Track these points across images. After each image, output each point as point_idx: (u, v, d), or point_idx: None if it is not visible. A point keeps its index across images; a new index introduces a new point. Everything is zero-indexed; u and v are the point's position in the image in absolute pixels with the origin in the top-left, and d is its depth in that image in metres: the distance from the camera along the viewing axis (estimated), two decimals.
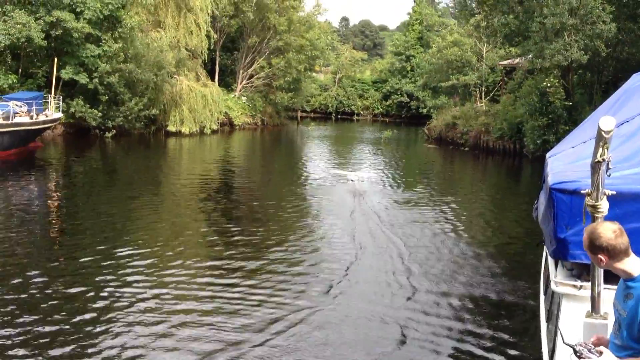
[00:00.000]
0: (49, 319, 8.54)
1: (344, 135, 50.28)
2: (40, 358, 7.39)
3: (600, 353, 3.37)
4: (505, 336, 8.59)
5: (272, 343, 8.03)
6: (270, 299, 9.66)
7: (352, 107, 72.62)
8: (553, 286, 5.46)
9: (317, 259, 12.14)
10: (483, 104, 41.79)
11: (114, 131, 35.54)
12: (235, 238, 13.67)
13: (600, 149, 3.90)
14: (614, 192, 4.32)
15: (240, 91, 51.42)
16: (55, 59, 31.97)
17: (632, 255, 3.40)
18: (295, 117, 62.66)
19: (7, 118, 25.21)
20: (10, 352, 7.48)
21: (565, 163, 6.31)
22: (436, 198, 20.13)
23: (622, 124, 6.12)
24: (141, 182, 22.32)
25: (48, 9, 31.48)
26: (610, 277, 4.02)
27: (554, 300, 5.80)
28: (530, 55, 29.54)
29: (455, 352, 8.07)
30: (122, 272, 10.74)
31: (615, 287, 3.62)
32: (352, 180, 24.41)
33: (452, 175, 28.81)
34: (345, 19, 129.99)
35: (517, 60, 36.93)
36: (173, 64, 38.67)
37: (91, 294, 9.62)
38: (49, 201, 17.85)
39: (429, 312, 9.40)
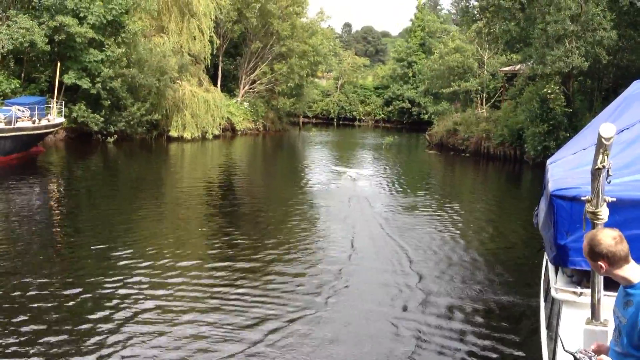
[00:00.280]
0: (50, 320, 8.56)
1: (346, 141, 50.31)
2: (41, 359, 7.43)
3: None
4: (505, 342, 8.58)
5: (273, 345, 8.05)
6: (271, 301, 9.66)
7: (354, 113, 72.67)
8: (553, 293, 5.46)
9: (319, 263, 12.14)
10: (484, 110, 41.81)
11: (116, 136, 35.59)
12: (237, 241, 13.68)
13: (601, 156, 3.92)
14: (614, 199, 4.33)
15: (242, 97, 51.47)
16: (58, 64, 32.07)
17: (632, 262, 3.41)
18: (297, 123, 62.70)
19: (9, 123, 25.24)
20: (10, 353, 7.50)
21: (566, 170, 6.33)
22: (437, 204, 20.13)
23: (622, 131, 6.13)
24: (143, 187, 22.34)
25: (52, 14, 31.57)
26: (610, 284, 4.03)
27: (554, 307, 5.80)
28: (532, 62, 29.59)
29: (453, 358, 8.06)
30: (123, 275, 10.77)
31: (615, 294, 3.63)
32: (350, 177, 24.87)
33: (452, 181, 28.81)
34: (347, 25, 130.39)
35: (518, 66, 36.98)
36: (176, 69, 38.72)
37: (92, 296, 9.63)
38: (51, 206, 17.88)
39: (428, 316, 9.40)
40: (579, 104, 31.05)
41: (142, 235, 14.34)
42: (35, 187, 20.76)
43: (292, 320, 8.94)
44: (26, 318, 8.65)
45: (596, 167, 3.97)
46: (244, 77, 51.91)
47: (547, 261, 6.59)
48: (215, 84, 48.33)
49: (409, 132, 60.86)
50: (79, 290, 9.96)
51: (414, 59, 67.72)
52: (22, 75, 33.43)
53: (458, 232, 15.74)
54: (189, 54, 41.80)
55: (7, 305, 9.12)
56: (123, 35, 34.74)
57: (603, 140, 3.83)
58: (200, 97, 42.22)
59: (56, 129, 31.21)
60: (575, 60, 26.49)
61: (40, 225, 14.97)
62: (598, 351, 3.52)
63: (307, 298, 10.00)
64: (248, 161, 34.47)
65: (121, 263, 11.54)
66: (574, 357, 3.47)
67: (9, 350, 7.61)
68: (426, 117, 55.40)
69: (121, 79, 34.62)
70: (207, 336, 8.28)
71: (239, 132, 48.17)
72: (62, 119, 31.09)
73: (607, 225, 4.03)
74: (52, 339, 8.03)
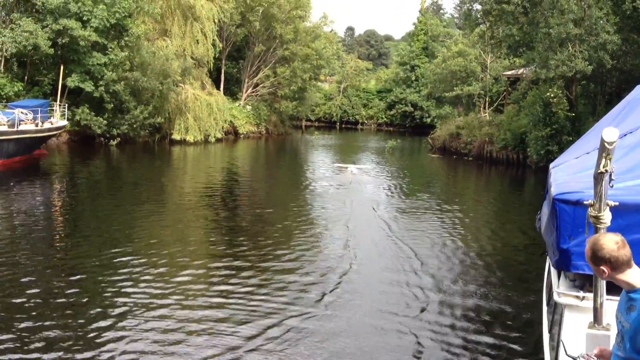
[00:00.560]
0: (51, 322, 8.58)
1: (349, 144, 50.30)
2: None
3: None
4: (508, 346, 8.56)
5: (274, 348, 8.05)
6: (275, 303, 9.66)
7: (357, 117, 72.72)
8: (555, 297, 5.45)
9: (322, 265, 12.14)
10: (487, 114, 41.79)
11: (119, 139, 35.66)
12: (240, 245, 13.68)
13: (603, 160, 3.91)
14: (617, 203, 4.32)
15: (245, 100, 51.55)
16: (62, 67, 32.15)
17: (635, 267, 3.40)
18: (299, 126, 62.77)
19: (12, 125, 25.28)
20: (10, 355, 7.51)
21: (569, 174, 6.32)
22: (439, 207, 20.11)
23: (625, 135, 6.12)
24: (145, 189, 22.36)
25: (55, 17, 31.66)
26: (613, 288, 4.02)
27: (556, 311, 5.79)
28: (535, 66, 29.58)
29: None
30: (124, 278, 10.80)
31: (617, 298, 3.62)
32: (353, 173, 25.48)
33: (455, 185, 28.79)
34: (350, 29, 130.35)
35: (521, 70, 36.99)
36: (179, 72, 38.81)
37: (93, 299, 9.65)
38: (53, 208, 17.90)
39: (429, 319, 9.39)
40: (582, 108, 31.02)
41: (144, 237, 14.34)
42: (38, 190, 20.79)
43: (295, 321, 8.95)
44: (27, 320, 8.66)
45: (599, 171, 3.97)
46: (246, 81, 51.99)
47: (549, 265, 6.58)
48: (218, 87, 48.41)
49: (411, 136, 60.87)
50: (81, 296, 9.97)
51: (416, 62, 67.77)
52: (26, 78, 33.53)
53: (460, 235, 15.72)
54: (191, 58, 41.89)
55: (8, 308, 9.13)
56: (126, 38, 34.83)
57: (606, 144, 3.83)
58: (203, 100, 42.30)
59: (59, 131, 31.27)
60: (579, 65, 26.48)
61: (43, 227, 14.98)
62: (600, 355, 3.51)
63: (310, 298, 10.02)
64: (251, 164, 34.49)
65: (123, 265, 11.57)
66: None
67: (9, 352, 7.62)
68: (429, 120, 55.41)
69: (124, 82, 34.71)
70: (211, 341, 8.30)
71: (242, 136, 48.23)
72: (65, 122, 31.15)
73: (610, 229, 4.03)
74: (53, 340, 8.05)
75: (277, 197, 22.46)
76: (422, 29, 68.97)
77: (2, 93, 31.07)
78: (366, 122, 72.78)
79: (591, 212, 4.20)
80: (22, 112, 26.61)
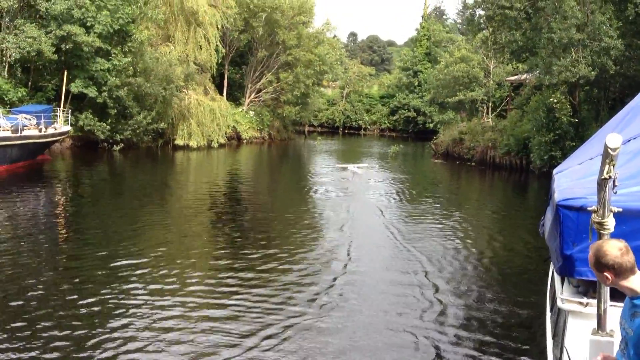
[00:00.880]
0: (53, 326, 8.60)
1: (352, 150, 50.32)
2: None
3: None
4: (511, 353, 8.53)
5: (276, 349, 8.06)
6: (279, 308, 9.66)
7: (360, 122, 72.78)
8: (559, 303, 5.44)
9: (325, 270, 12.13)
10: (490, 119, 41.79)
11: (122, 144, 35.72)
12: (243, 249, 13.66)
13: (607, 166, 3.91)
14: (620, 209, 4.31)
15: (248, 105, 51.62)
16: (65, 73, 32.25)
17: (638, 273, 3.38)
18: (302, 132, 62.82)
19: (16, 131, 25.36)
20: (12, 358, 7.54)
21: (572, 179, 6.30)
22: (443, 212, 20.10)
23: (629, 141, 6.10)
24: (148, 195, 22.38)
25: (59, 23, 31.75)
26: (617, 294, 4.01)
27: (560, 317, 5.78)
28: (538, 71, 29.57)
29: None
30: (126, 280, 10.87)
31: (621, 304, 3.60)
32: (353, 171, 26.18)
33: (458, 190, 28.77)
34: (353, 34, 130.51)
35: (524, 76, 36.99)
36: (182, 78, 38.90)
37: (96, 302, 9.68)
38: (57, 213, 17.92)
39: (431, 325, 9.36)
40: (585, 114, 31.00)
41: (147, 240, 14.37)
42: (42, 195, 20.83)
43: (300, 323, 8.95)
44: (29, 324, 8.68)
45: (602, 177, 3.96)
46: (249, 86, 52.08)
47: (553, 271, 6.56)
48: (221, 93, 48.51)
49: (414, 141, 60.86)
50: (82, 295, 10.02)
51: (419, 68, 67.82)
52: (29, 83, 33.62)
53: (463, 241, 15.70)
54: (195, 63, 41.98)
55: (11, 311, 9.15)
56: (129, 44, 34.92)
57: (609, 150, 3.83)
58: (206, 105, 42.38)
59: (63, 137, 31.34)
60: (582, 70, 26.48)
61: (46, 233, 14.99)
62: None
63: (313, 300, 10.04)
64: (253, 170, 34.51)
65: (125, 270, 11.60)
66: None
67: (10, 352, 7.66)
68: (432, 126, 55.44)
69: (127, 88, 34.80)
70: (210, 342, 8.34)
71: (245, 141, 48.28)
72: (68, 127, 31.23)
73: (614, 235, 4.02)
74: (55, 344, 8.08)
75: (279, 202, 22.46)
76: (424, 35, 69.03)
77: (6, 99, 31.14)
78: (369, 127, 72.80)
79: (595, 218, 4.20)
80: (25, 118, 26.68)
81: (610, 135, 3.87)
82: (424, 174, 35.35)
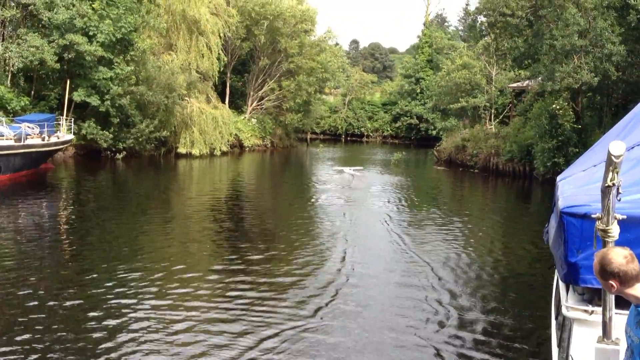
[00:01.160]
0: (55, 333, 8.60)
1: (354, 157, 50.32)
2: None
3: None
4: None
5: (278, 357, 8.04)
6: (279, 314, 9.64)
7: (362, 129, 72.85)
8: (564, 311, 5.41)
9: (326, 277, 12.10)
10: (492, 126, 41.79)
11: (125, 153, 35.79)
12: (247, 257, 13.64)
13: (611, 174, 3.89)
14: (625, 217, 4.30)
15: (250, 113, 51.70)
16: (68, 82, 32.35)
17: None
18: (304, 139, 62.88)
19: (19, 140, 25.41)
20: None
21: (576, 186, 6.28)
22: (446, 220, 20.07)
23: (632, 147, 6.09)
24: (151, 203, 22.40)
25: (61, 33, 31.87)
26: (622, 302, 3.98)
27: (565, 325, 5.75)
28: (540, 78, 29.57)
29: None
30: (127, 289, 10.87)
31: (627, 312, 3.59)
32: (350, 174, 26.64)
33: (462, 197, 28.73)
34: (355, 42, 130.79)
35: (527, 82, 36.98)
36: (184, 86, 38.98)
37: (98, 310, 9.67)
38: (59, 222, 17.93)
39: (436, 332, 9.33)
40: (588, 120, 30.98)
41: (149, 249, 14.36)
42: (44, 204, 20.84)
43: (303, 332, 8.93)
44: (31, 331, 8.67)
45: (606, 184, 3.95)
46: (251, 94, 52.17)
47: (557, 279, 6.53)
48: (223, 101, 48.61)
49: (417, 148, 60.87)
50: (85, 301, 10.05)
51: (421, 75, 67.88)
52: (32, 92, 33.72)
53: (467, 248, 15.66)
54: (197, 71, 42.08)
55: (13, 318, 9.14)
56: (132, 53, 35.04)
57: (613, 158, 3.81)
58: (208, 113, 42.46)
59: (65, 145, 31.40)
60: (585, 76, 26.47)
61: (49, 241, 15.01)
62: None
63: (317, 309, 10.02)
64: (256, 177, 34.52)
65: (127, 276, 11.63)
66: None
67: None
68: (434, 133, 55.43)
69: (130, 96, 34.89)
70: (212, 344, 8.39)
71: (247, 149, 48.34)
72: (71, 136, 31.30)
73: (618, 243, 4.00)
74: (57, 350, 8.07)
75: (282, 210, 22.45)
76: (426, 42, 69.12)
77: (9, 107, 31.23)
78: (371, 134, 72.85)
79: (599, 225, 4.18)
80: (28, 127, 26.74)
81: (614, 142, 3.86)
82: (427, 181, 35.33)
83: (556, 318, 6.69)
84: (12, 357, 7.91)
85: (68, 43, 31.55)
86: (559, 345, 6.02)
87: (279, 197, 26.82)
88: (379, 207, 22.21)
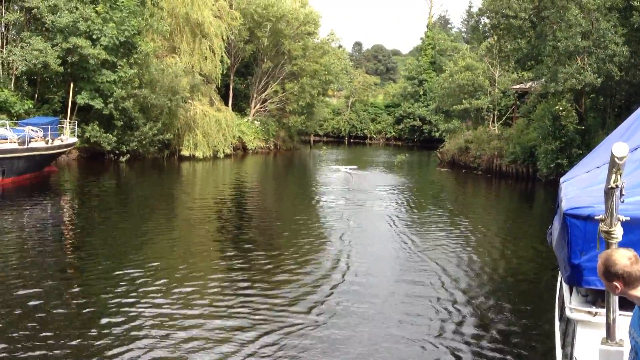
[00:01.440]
0: (57, 334, 8.62)
1: (357, 159, 50.28)
2: None
3: None
4: None
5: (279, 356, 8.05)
6: (289, 315, 9.65)
7: (365, 131, 72.88)
8: (568, 312, 5.41)
9: (331, 278, 12.11)
10: (496, 127, 41.77)
11: (128, 155, 35.85)
12: (250, 259, 13.65)
13: (614, 175, 3.90)
14: (628, 218, 4.30)
15: (253, 115, 51.76)
16: (71, 85, 32.42)
17: None
18: (307, 141, 62.91)
19: (22, 143, 25.46)
20: None
21: (579, 188, 6.28)
22: (449, 221, 20.06)
23: (635, 149, 6.08)
24: (155, 205, 22.42)
25: (65, 36, 31.96)
26: (626, 303, 3.98)
27: (569, 327, 5.74)
28: (543, 79, 29.55)
29: None
30: (130, 289, 10.93)
31: (630, 313, 3.58)
32: (347, 172, 27.57)
33: (465, 199, 28.70)
34: (358, 44, 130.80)
35: (530, 84, 36.96)
36: (187, 89, 39.06)
37: (101, 311, 9.71)
38: (63, 225, 17.96)
39: (440, 333, 9.32)
40: (591, 121, 30.96)
41: (152, 251, 14.37)
42: (48, 207, 20.88)
43: (306, 331, 8.93)
44: (33, 332, 8.69)
45: (609, 186, 3.95)
46: (255, 96, 52.23)
47: (561, 280, 6.53)
48: (226, 103, 48.65)
49: (420, 150, 60.85)
50: (88, 302, 10.11)
51: (424, 77, 67.90)
52: (36, 96, 33.83)
53: (470, 249, 15.65)
54: (200, 74, 42.16)
55: (15, 320, 9.16)
56: (135, 56, 35.12)
57: (616, 159, 3.82)
58: (211, 116, 42.52)
59: (69, 148, 31.48)
60: (588, 77, 26.45)
61: (53, 243, 15.03)
62: None
63: (323, 308, 10.01)
64: (259, 180, 34.52)
65: (130, 277, 11.68)
66: None
67: None
68: (437, 134, 55.42)
69: (133, 99, 34.96)
70: (212, 345, 8.40)
71: (250, 151, 48.39)
72: (75, 139, 31.36)
73: (621, 244, 4.00)
74: (59, 350, 8.11)
75: (286, 211, 22.45)
76: (429, 44, 69.16)
77: (13, 111, 31.33)
78: (374, 136, 72.88)
79: (602, 227, 4.18)
80: (32, 130, 26.80)
81: (617, 144, 3.86)
82: (430, 183, 35.30)
83: (560, 319, 6.69)
84: (13, 357, 7.93)
85: (72, 46, 31.64)
86: (563, 347, 6.02)
87: (282, 199, 26.83)
88: (383, 208, 22.21)
